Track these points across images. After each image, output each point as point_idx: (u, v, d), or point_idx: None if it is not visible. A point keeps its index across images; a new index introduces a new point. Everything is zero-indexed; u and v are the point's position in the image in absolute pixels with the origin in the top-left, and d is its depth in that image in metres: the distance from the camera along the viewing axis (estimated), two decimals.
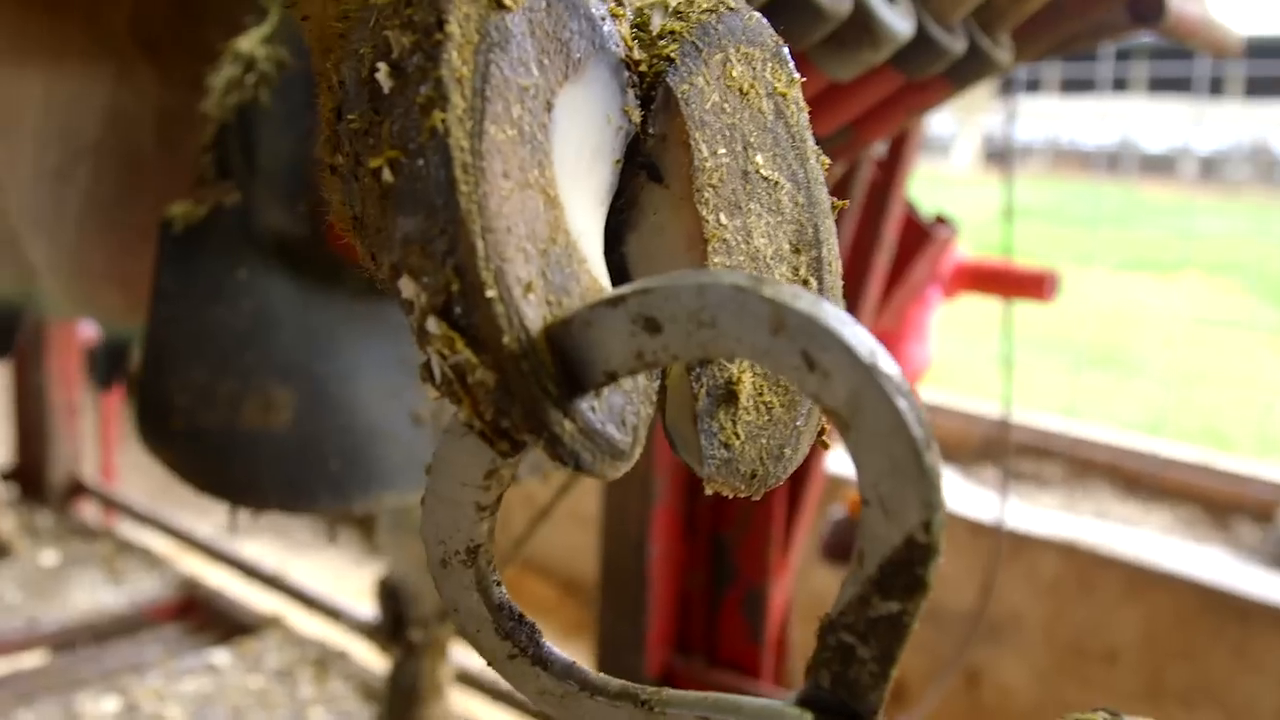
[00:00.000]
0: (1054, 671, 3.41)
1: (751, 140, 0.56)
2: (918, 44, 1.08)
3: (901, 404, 0.40)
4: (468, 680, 2.47)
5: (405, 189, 0.45)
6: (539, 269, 0.46)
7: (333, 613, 2.76)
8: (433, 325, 0.45)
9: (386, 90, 0.46)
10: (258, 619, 2.79)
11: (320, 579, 3.96)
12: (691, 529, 2.12)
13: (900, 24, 1.04)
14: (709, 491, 0.54)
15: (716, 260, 0.53)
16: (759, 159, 0.56)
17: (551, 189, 0.47)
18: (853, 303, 2.08)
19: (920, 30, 1.08)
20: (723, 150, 0.54)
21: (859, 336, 0.40)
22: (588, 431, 0.46)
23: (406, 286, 0.46)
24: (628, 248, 0.54)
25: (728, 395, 0.54)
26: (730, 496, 0.55)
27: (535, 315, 0.45)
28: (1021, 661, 3.46)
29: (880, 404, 0.40)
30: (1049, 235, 9.08)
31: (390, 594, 1.92)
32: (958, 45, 1.12)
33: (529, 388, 0.44)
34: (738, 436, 0.54)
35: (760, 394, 0.55)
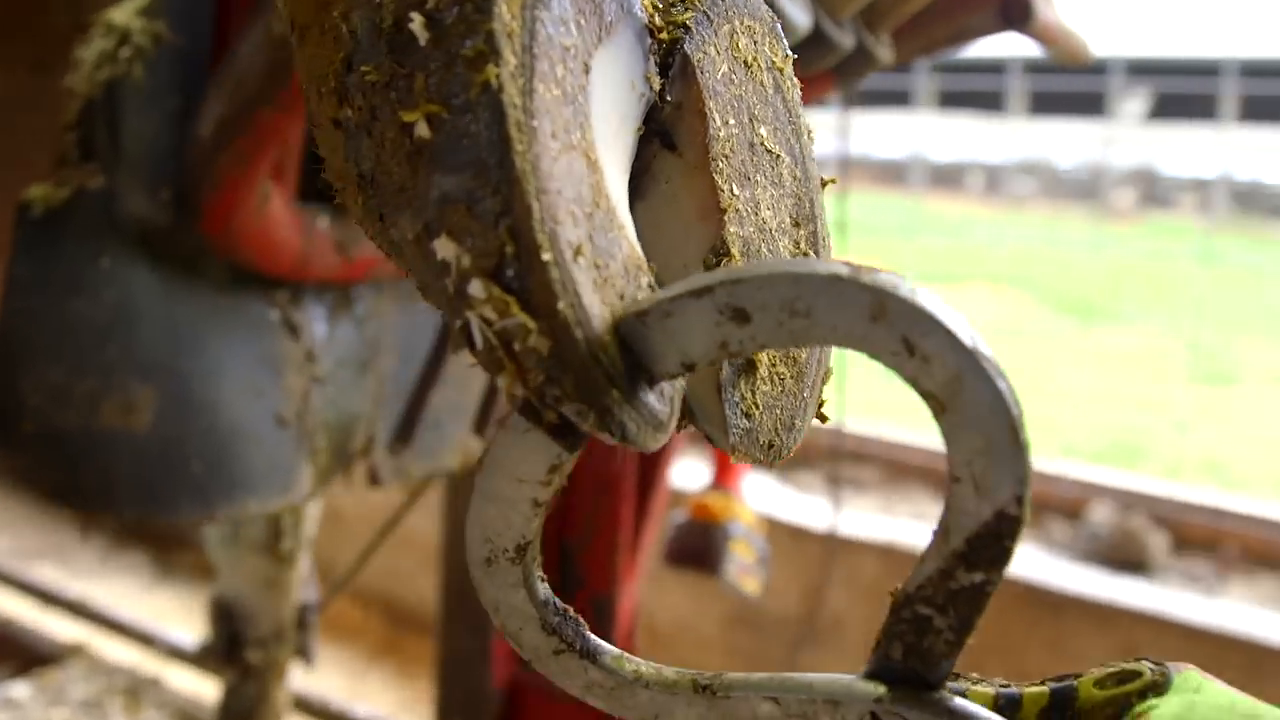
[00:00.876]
0: None
1: (756, 113, 0.56)
2: (812, 38, 1.11)
3: (1001, 385, 0.42)
4: (304, 706, 2.39)
5: (446, 146, 0.44)
6: (586, 233, 0.45)
7: (144, 638, 2.64)
8: (477, 288, 0.44)
9: (423, 42, 0.45)
10: (58, 648, 2.65)
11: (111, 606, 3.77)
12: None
13: (800, 16, 1.07)
14: (733, 461, 0.55)
15: (732, 230, 0.54)
16: (763, 131, 0.56)
17: (592, 152, 0.47)
18: None
19: (815, 24, 1.11)
20: (732, 121, 0.55)
21: (958, 321, 0.42)
22: (634, 402, 0.46)
23: (445, 247, 0.44)
24: (636, 215, 0.54)
25: (748, 365, 0.54)
26: (751, 466, 0.55)
27: (586, 280, 0.45)
28: (843, 664, 3.56)
29: (982, 385, 0.42)
30: (839, 246, 9.40)
31: (224, 613, 1.85)
32: (847, 41, 1.15)
33: (581, 356, 0.44)
34: (757, 406, 0.54)
35: (774, 365, 0.55)
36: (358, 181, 0.50)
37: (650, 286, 0.48)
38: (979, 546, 0.45)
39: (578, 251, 0.44)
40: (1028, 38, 1.41)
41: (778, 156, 0.57)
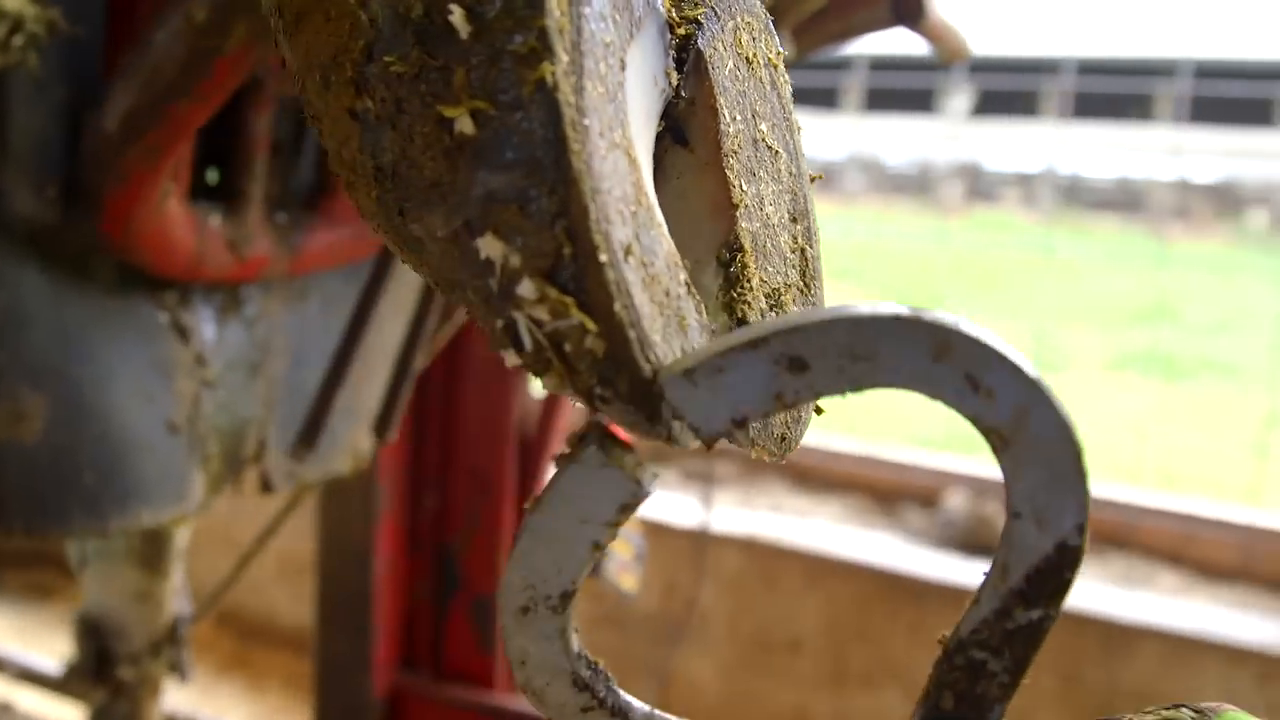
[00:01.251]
0: (739, 665, 3.57)
1: (757, 109, 0.57)
2: None
3: (1066, 416, 0.43)
4: None
5: (493, 143, 0.44)
6: (633, 231, 0.45)
7: None
8: (528, 289, 0.44)
9: (463, 35, 0.44)
10: None
11: None
12: (415, 539, 2.09)
13: None
14: (753, 457, 0.55)
15: (743, 226, 0.54)
16: (763, 127, 0.57)
17: (632, 150, 0.47)
18: None
19: None
20: (739, 117, 0.55)
21: (1020, 356, 0.42)
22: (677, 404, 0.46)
23: (490, 246, 0.44)
24: None
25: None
26: (770, 460, 0.56)
27: (636, 280, 0.45)
28: (707, 658, 3.60)
29: (1048, 418, 0.42)
30: None
31: (92, 629, 1.78)
32: None
33: (634, 358, 0.44)
34: None
35: None
36: (374, 174, 0.49)
37: (687, 283, 0.49)
38: (1039, 581, 0.45)
39: (628, 251, 0.45)
40: (916, 34, 1.45)
41: (776, 153, 0.58)
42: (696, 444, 0.49)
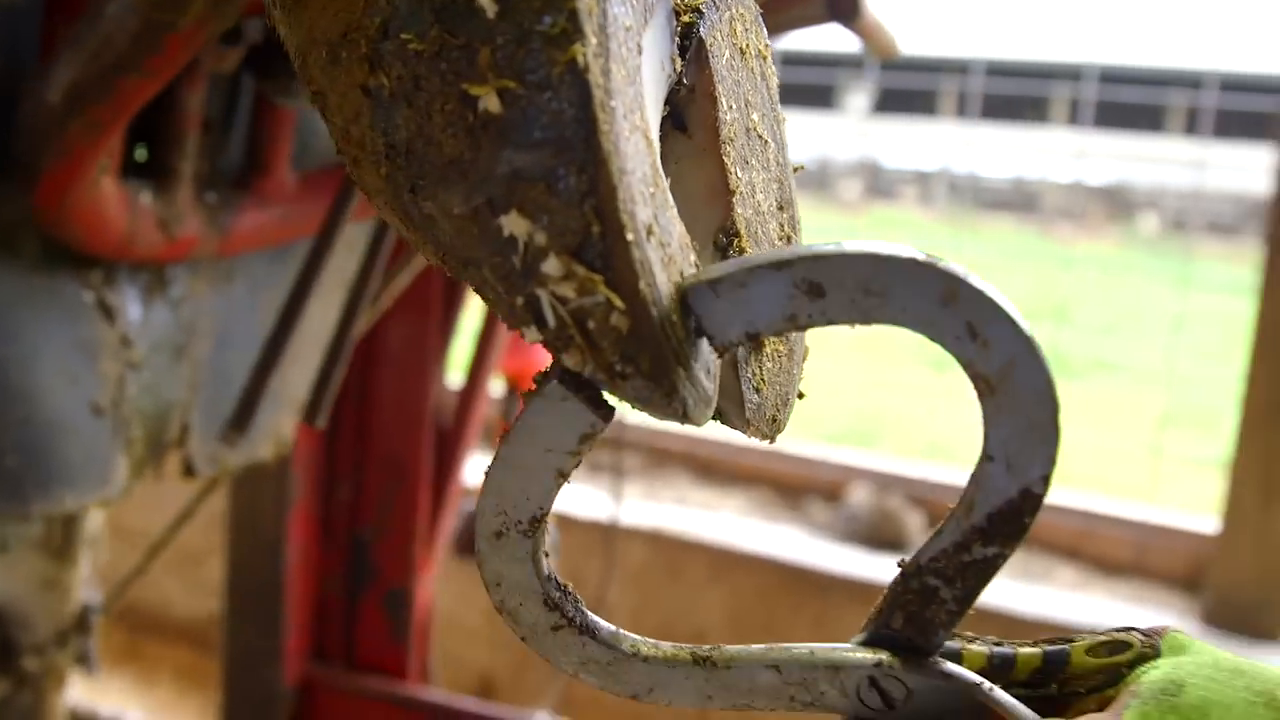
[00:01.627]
0: None
1: (750, 98, 0.59)
2: None
3: (1050, 374, 0.47)
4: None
5: (520, 122, 0.45)
6: (653, 212, 0.47)
7: None
8: (553, 266, 0.45)
9: (490, 15, 0.45)
10: None
11: None
12: (328, 529, 2.07)
13: None
14: (748, 436, 0.57)
15: (738, 212, 0.56)
16: (754, 117, 0.59)
17: (649, 132, 0.48)
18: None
19: None
20: (734, 106, 0.57)
21: (1018, 312, 0.46)
22: (694, 380, 0.48)
23: (515, 224, 0.45)
24: None
25: (756, 343, 0.57)
26: (762, 441, 0.58)
27: (657, 259, 0.46)
28: None
29: (1035, 371, 0.46)
30: None
31: None
32: None
33: (656, 335, 0.45)
34: (764, 382, 0.57)
35: (775, 343, 0.58)
36: (385, 151, 0.50)
37: (696, 265, 0.50)
38: (999, 522, 0.49)
39: (649, 231, 0.46)
40: (849, 31, 1.49)
41: (766, 142, 0.60)
42: (705, 420, 0.51)
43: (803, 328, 0.47)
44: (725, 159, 0.56)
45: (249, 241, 1.35)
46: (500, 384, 2.49)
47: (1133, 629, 0.55)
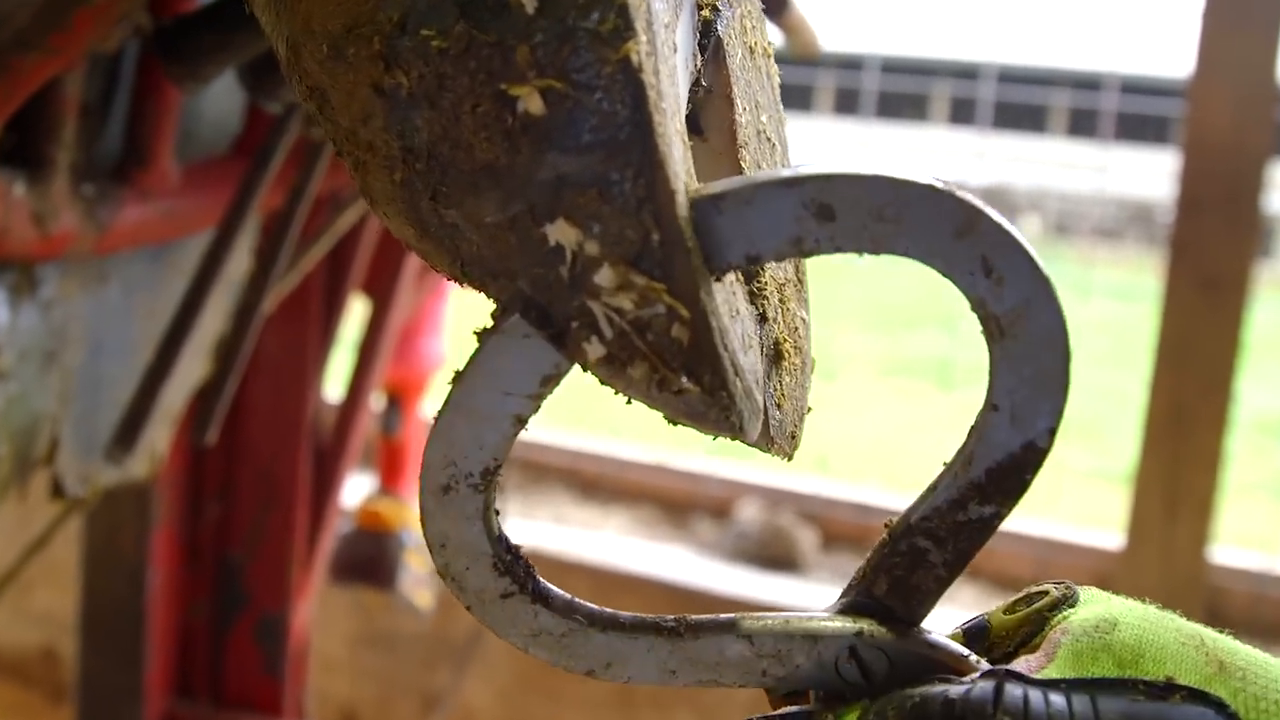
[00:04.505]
0: (519, 689, 3.59)
1: (759, 99, 0.60)
2: None
3: (1065, 318, 0.46)
4: None
5: (565, 124, 0.45)
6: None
7: None
8: (608, 277, 0.45)
9: (530, 10, 0.45)
10: None
11: None
12: (195, 551, 2.03)
13: None
14: (772, 455, 0.57)
15: None
16: (764, 119, 0.60)
17: (685, 135, 0.49)
18: (384, 297, 2.10)
19: None
20: (747, 107, 0.58)
21: (1036, 252, 0.46)
22: (748, 392, 0.48)
23: (562, 233, 0.45)
24: None
25: (776, 355, 0.57)
26: (782, 459, 0.58)
27: (704, 269, 0.46)
28: (483, 681, 3.60)
29: (1048, 313, 0.46)
30: None
31: None
32: None
33: (717, 348, 0.45)
34: (785, 397, 0.58)
35: (790, 356, 0.59)
36: (402, 155, 0.49)
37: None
38: (999, 477, 0.49)
39: None
40: (774, 26, 1.51)
41: (774, 145, 0.61)
42: (754, 434, 0.51)
43: (808, 253, 0.46)
44: (742, 164, 0.56)
45: (128, 239, 1.32)
46: (381, 398, 2.46)
47: (1044, 583, 0.55)
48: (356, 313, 2.12)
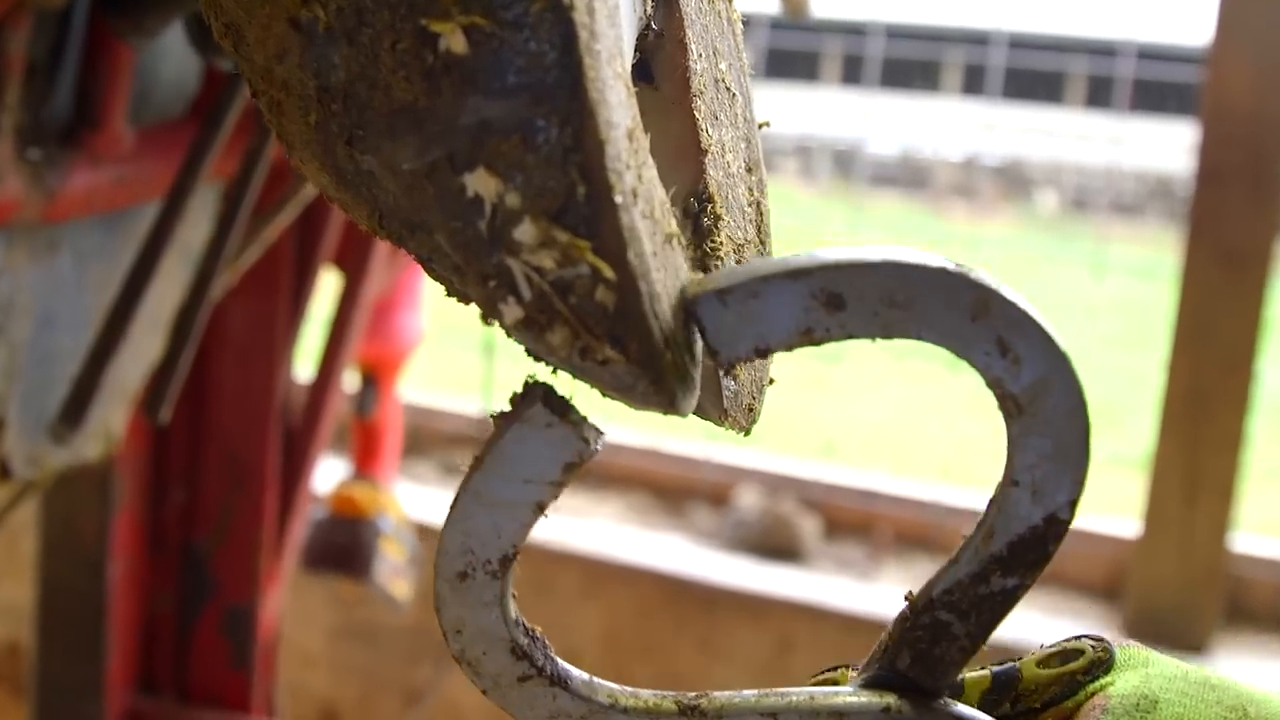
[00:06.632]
0: None
1: (717, 45, 0.58)
2: None
3: (1084, 393, 0.48)
4: None
5: (490, 65, 0.43)
6: (636, 172, 0.46)
7: None
8: (528, 233, 0.44)
9: None
10: None
11: None
12: (158, 539, 2.02)
13: None
14: (727, 430, 0.56)
15: (711, 174, 0.55)
16: (723, 67, 0.58)
17: (628, 81, 0.47)
18: (357, 270, 2.09)
19: None
20: (704, 54, 0.56)
21: (1052, 327, 0.47)
22: (681, 365, 0.47)
23: (481, 183, 0.44)
24: None
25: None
26: (738, 433, 0.57)
27: (644, 227, 0.45)
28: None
29: (1067, 389, 0.47)
30: None
31: None
32: None
33: (646, 313, 0.44)
34: (740, 368, 0.57)
35: None
36: (317, 95, 0.48)
37: (677, 233, 0.50)
38: (1021, 550, 0.50)
39: (635, 193, 0.45)
40: None
41: (734, 95, 0.60)
42: (689, 410, 0.50)
43: (819, 342, 0.46)
44: (696, 114, 0.55)
45: (78, 206, 1.31)
46: (354, 377, 2.45)
47: (1082, 637, 0.57)
48: (328, 286, 2.11)
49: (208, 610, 2.03)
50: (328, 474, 2.54)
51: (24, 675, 3.49)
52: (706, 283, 0.46)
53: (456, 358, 5.36)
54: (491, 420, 0.48)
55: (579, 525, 3.64)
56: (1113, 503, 4.13)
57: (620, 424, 4.33)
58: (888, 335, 0.46)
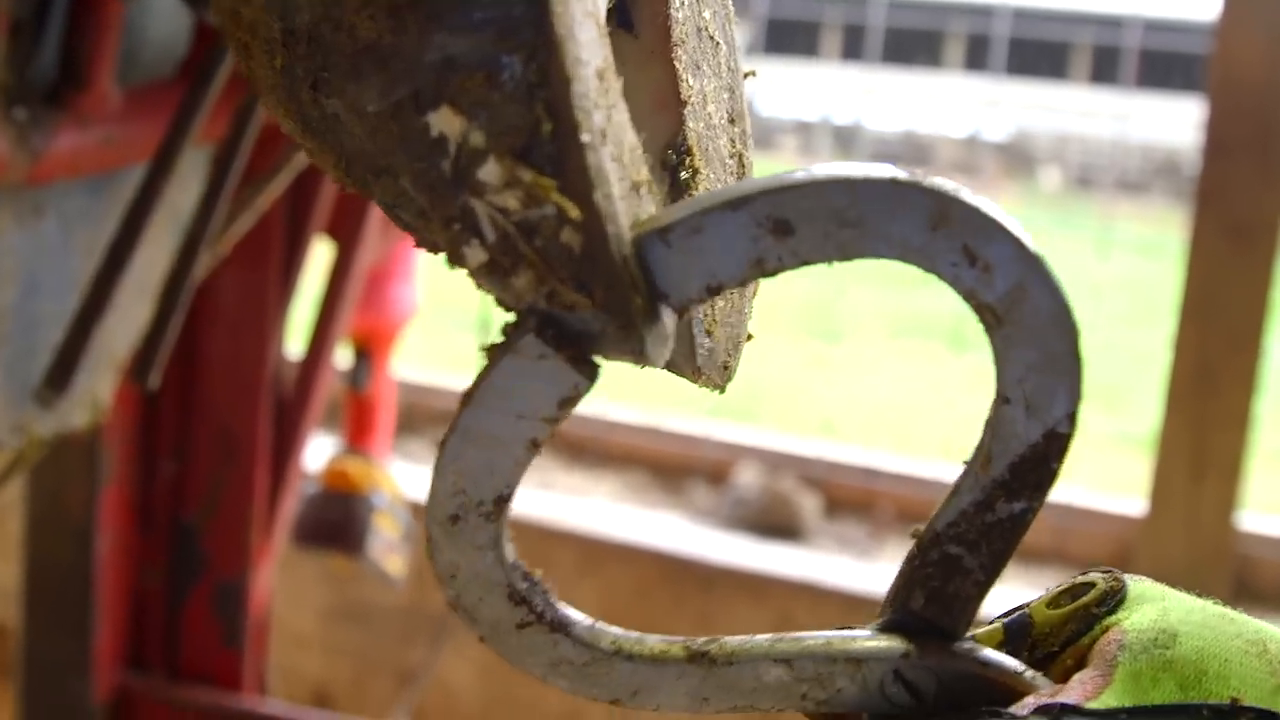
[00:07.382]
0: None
1: None
2: None
3: (1064, 295, 0.45)
4: None
5: (456, 1, 0.44)
6: (605, 112, 0.46)
7: None
8: (493, 172, 0.44)
9: None
10: None
11: None
12: (148, 514, 2.02)
13: None
14: (700, 386, 0.57)
15: (690, 125, 0.56)
16: (707, 15, 0.58)
17: (600, 19, 0.48)
18: (350, 239, 2.09)
19: None
20: (686, 2, 0.57)
21: (1022, 228, 0.45)
22: (651, 312, 0.47)
23: (446, 121, 0.44)
24: None
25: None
26: (713, 391, 0.57)
27: (613, 168, 0.45)
28: (462, 658, 3.60)
29: (1045, 294, 0.45)
30: None
31: None
32: None
33: (613, 256, 0.44)
34: (715, 323, 0.57)
35: None
36: (282, 38, 0.48)
37: (649, 180, 0.50)
38: (1023, 472, 0.48)
39: (604, 134, 0.45)
40: None
41: (718, 44, 0.60)
42: (661, 361, 0.50)
43: (772, 273, 0.45)
44: (676, 64, 0.55)
45: (65, 168, 1.31)
46: (348, 350, 2.45)
47: (1090, 571, 0.55)
48: (320, 257, 2.10)
49: (198, 586, 2.03)
50: (320, 451, 2.55)
51: (11, 654, 3.50)
52: (646, 223, 0.45)
53: (451, 335, 5.36)
54: (483, 353, 0.47)
55: (576, 503, 3.65)
56: (1119, 481, 4.14)
57: (616, 400, 4.33)
58: (845, 256, 0.44)
